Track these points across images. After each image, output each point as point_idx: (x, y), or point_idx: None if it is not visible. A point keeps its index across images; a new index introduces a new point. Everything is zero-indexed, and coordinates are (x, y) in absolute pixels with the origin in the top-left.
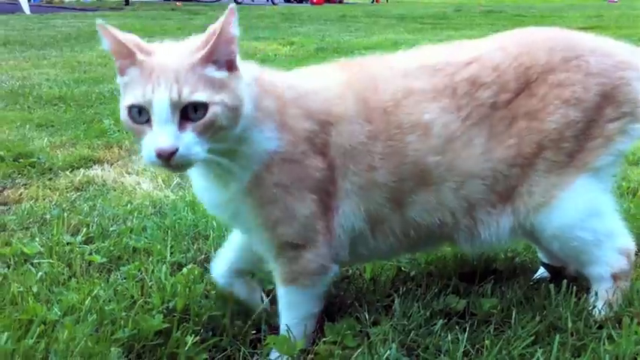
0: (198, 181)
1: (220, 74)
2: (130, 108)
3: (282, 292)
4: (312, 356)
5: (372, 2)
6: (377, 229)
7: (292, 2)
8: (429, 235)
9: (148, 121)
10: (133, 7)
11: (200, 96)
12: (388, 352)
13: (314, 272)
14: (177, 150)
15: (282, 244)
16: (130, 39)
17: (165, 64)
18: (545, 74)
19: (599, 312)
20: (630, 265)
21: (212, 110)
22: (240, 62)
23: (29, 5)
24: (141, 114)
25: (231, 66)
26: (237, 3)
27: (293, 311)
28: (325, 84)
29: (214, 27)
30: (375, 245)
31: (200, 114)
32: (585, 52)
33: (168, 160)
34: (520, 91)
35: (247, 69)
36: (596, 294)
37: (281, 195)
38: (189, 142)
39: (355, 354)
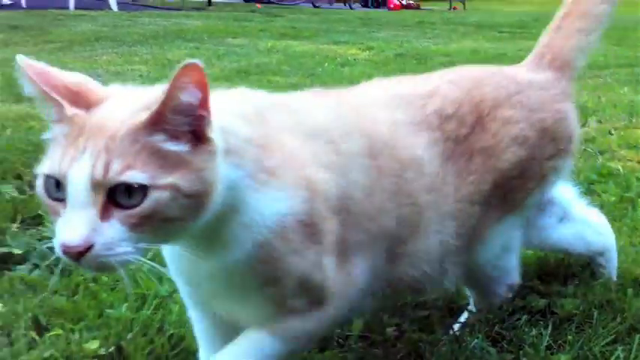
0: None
1: (176, 148)
2: (45, 178)
3: (257, 336)
4: (402, 344)
5: (450, 9)
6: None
7: (369, 7)
8: (402, 291)
9: (64, 199)
10: (216, 7)
11: (136, 175)
12: (475, 341)
13: (315, 335)
14: (91, 247)
15: (289, 312)
16: (70, 82)
17: (100, 124)
18: (494, 110)
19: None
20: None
21: (153, 197)
22: (221, 126)
23: (116, 2)
24: (59, 188)
25: (197, 138)
26: (315, 6)
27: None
28: (325, 121)
29: (164, 87)
30: (362, 304)
31: (135, 200)
32: (524, 87)
33: (77, 260)
34: (475, 125)
35: (237, 129)
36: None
37: (295, 263)
38: (111, 237)
39: (442, 342)
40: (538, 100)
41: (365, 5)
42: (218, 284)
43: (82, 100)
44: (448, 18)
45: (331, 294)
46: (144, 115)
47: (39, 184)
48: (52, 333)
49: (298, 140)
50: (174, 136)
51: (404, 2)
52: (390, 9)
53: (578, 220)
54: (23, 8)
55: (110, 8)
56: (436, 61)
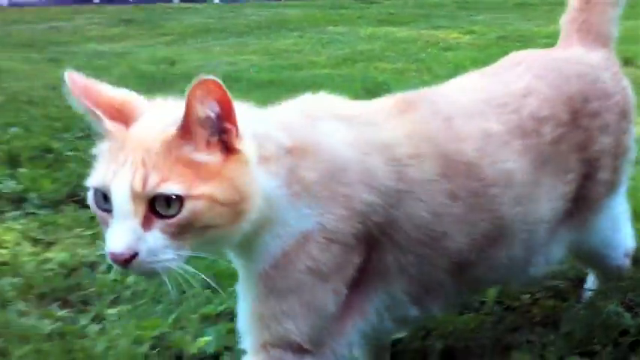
0: None
1: (207, 159)
2: (94, 190)
3: None
4: (537, 310)
5: None
6: (422, 300)
7: None
8: (481, 289)
9: (112, 210)
10: None
11: (172, 187)
12: (610, 307)
13: None
14: (136, 255)
15: (280, 342)
16: (114, 98)
17: (138, 138)
18: (584, 104)
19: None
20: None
21: (189, 206)
22: (250, 137)
23: None
24: (107, 200)
25: (228, 148)
26: None
27: None
28: (395, 136)
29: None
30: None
31: (173, 209)
32: (598, 70)
33: (125, 267)
34: (570, 123)
35: (274, 137)
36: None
37: (311, 283)
38: (154, 245)
39: (576, 308)
40: (610, 84)
41: None
42: (241, 293)
43: (123, 116)
44: None
45: (330, 333)
46: (172, 130)
47: (89, 196)
48: None
49: (354, 155)
50: (203, 148)
51: None
52: None
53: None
54: (131, 3)
55: (212, 0)
56: (539, 43)
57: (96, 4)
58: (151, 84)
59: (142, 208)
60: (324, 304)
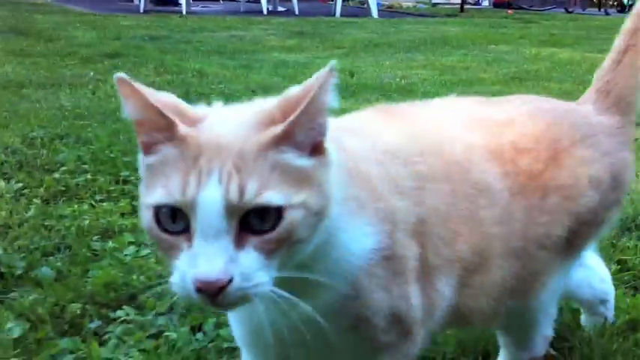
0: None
1: (302, 162)
2: (158, 209)
3: None
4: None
5: None
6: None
7: (626, 12)
8: (455, 321)
9: (186, 230)
10: (467, 14)
11: (272, 196)
12: None
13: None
14: (230, 281)
15: (381, 350)
16: (167, 101)
17: (221, 143)
18: (571, 148)
19: None
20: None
21: (288, 218)
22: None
23: (377, 10)
24: (175, 219)
25: (317, 149)
26: (568, 12)
27: None
28: (397, 141)
29: (300, 90)
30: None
31: (269, 223)
32: (597, 130)
33: (215, 296)
34: (550, 162)
35: (335, 141)
36: None
37: (388, 302)
38: (249, 267)
39: None
40: (609, 146)
41: (621, 10)
42: (303, 331)
43: (186, 119)
44: None
45: (417, 321)
46: (272, 132)
47: (147, 217)
48: None
49: (373, 167)
50: (300, 150)
51: None
52: None
53: (586, 265)
54: (296, 15)
55: (372, 16)
56: None
57: (264, 16)
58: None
59: (234, 224)
60: (401, 306)
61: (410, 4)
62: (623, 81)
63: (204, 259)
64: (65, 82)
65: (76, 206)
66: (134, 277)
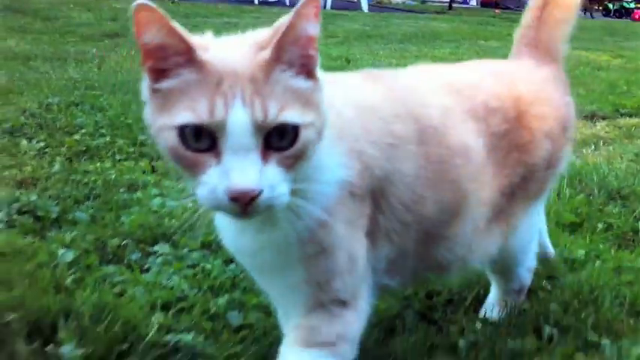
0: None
1: (302, 83)
2: (184, 129)
3: (295, 356)
4: None
5: None
6: (390, 270)
7: (611, 17)
8: (431, 270)
9: (211, 148)
10: (455, 11)
11: (291, 115)
12: None
13: (354, 337)
14: (261, 192)
15: (328, 301)
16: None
17: (236, 69)
18: (530, 106)
19: (492, 316)
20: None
21: (304, 135)
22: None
23: (367, 4)
24: (200, 138)
25: (311, 74)
26: None
27: None
28: (376, 99)
29: (285, 19)
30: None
31: (286, 141)
32: (546, 86)
33: (248, 205)
34: (516, 120)
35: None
36: (496, 303)
37: (348, 239)
38: (274, 180)
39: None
40: (558, 99)
41: (606, 15)
42: (268, 255)
43: (199, 46)
44: None
45: (363, 279)
46: (264, 54)
47: (170, 137)
48: None
49: (352, 112)
50: (295, 71)
51: None
52: (635, 20)
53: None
54: (287, 6)
55: (362, 9)
56: None
57: (255, 5)
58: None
59: (260, 142)
60: (360, 256)
61: (399, 0)
62: (548, 32)
63: (237, 172)
64: (70, 57)
65: (98, 164)
66: (165, 221)
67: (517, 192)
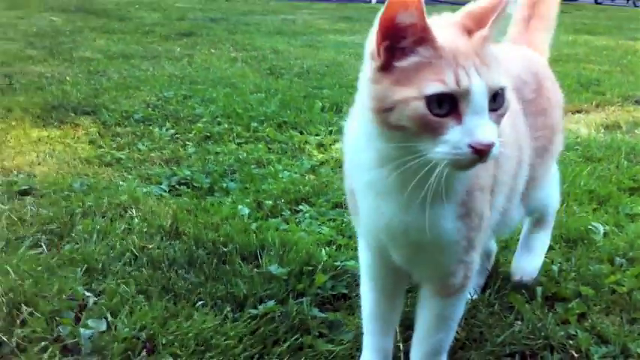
0: (382, 194)
1: (495, 52)
2: (431, 98)
3: (442, 304)
4: None
5: None
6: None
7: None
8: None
9: (450, 113)
10: None
11: (504, 80)
12: None
13: (472, 274)
14: (494, 144)
15: (467, 252)
16: None
17: (460, 47)
18: (543, 81)
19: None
20: None
21: (507, 96)
22: None
23: None
24: (442, 104)
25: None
26: (597, 3)
27: (451, 325)
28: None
29: (483, 5)
30: None
31: (499, 102)
32: (545, 66)
33: (486, 155)
34: (537, 91)
35: None
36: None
37: (483, 195)
38: (496, 134)
39: None
40: (552, 74)
41: (635, 4)
42: (418, 232)
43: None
44: None
45: (484, 237)
46: (481, 33)
47: (418, 106)
48: None
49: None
50: (490, 43)
51: None
52: None
53: None
54: (334, 1)
55: (371, 1)
56: None
57: (306, 1)
58: None
59: (487, 104)
60: (487, 215)
61: None
62: (534, 37)
63: (480, 129)
64: (161, 56)
65: (224, 146)
66: (299, 187)
67: (545, 153)
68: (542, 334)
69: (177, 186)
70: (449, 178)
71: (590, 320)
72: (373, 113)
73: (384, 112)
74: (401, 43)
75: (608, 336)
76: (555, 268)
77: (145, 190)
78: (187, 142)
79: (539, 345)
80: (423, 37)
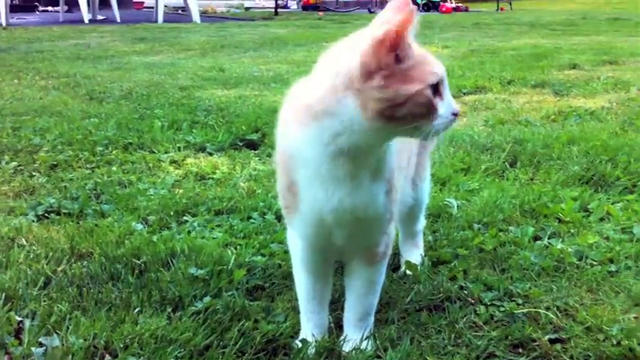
0: (329, 177)
1: None
2: (432, 86)
3: (371, 271)
4: None
5: (497, 10)
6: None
7: (421, 11)
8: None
9: (436, 94)
10: (281, 16)
11: None
12: None
13: (391, 242)
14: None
15: (389, 223)
16: None
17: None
18: None
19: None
20: None
21: None
22: None
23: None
24: (433, 90)
25: None
26: (371, 12)
27: (378, 288)
28: None
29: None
30: None
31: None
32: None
33: (456, 118)
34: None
35: None
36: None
37: (400, 174)
38: None
39: None
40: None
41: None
42: (358, 209)
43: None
44: (500, 18)
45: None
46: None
47: (427, 93)
48: None
49: None
50: None
51: (453, 5)
52: (442, 12)
53: None
54: (119, 22)
55: (194, 20)
56: (507, 54)
57: (87, 24)
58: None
59: None
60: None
61: (223, 9)
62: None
63: (453, 101)
64: None
65: (75, 173)
66: (175, 200)
67: (422, 150)
68: (440, 289)
69: (45, 214)
70: (381, 160)
71: (472, 274)
72: (377, 114)
73: (393, 108)
74: (405, 51)
75: (492, 283)
76: (431, 237)
77: (14, 222)
78: (34, 173)
79: (440, 298)
80: (409, 44)
